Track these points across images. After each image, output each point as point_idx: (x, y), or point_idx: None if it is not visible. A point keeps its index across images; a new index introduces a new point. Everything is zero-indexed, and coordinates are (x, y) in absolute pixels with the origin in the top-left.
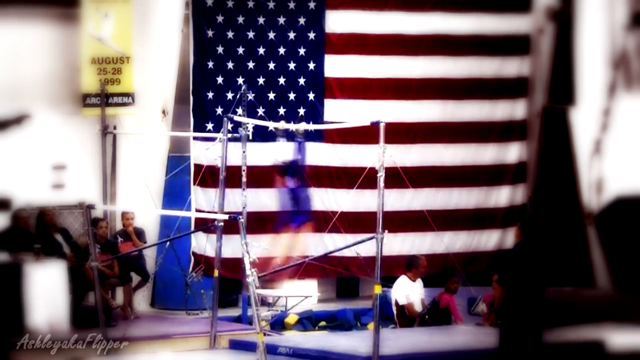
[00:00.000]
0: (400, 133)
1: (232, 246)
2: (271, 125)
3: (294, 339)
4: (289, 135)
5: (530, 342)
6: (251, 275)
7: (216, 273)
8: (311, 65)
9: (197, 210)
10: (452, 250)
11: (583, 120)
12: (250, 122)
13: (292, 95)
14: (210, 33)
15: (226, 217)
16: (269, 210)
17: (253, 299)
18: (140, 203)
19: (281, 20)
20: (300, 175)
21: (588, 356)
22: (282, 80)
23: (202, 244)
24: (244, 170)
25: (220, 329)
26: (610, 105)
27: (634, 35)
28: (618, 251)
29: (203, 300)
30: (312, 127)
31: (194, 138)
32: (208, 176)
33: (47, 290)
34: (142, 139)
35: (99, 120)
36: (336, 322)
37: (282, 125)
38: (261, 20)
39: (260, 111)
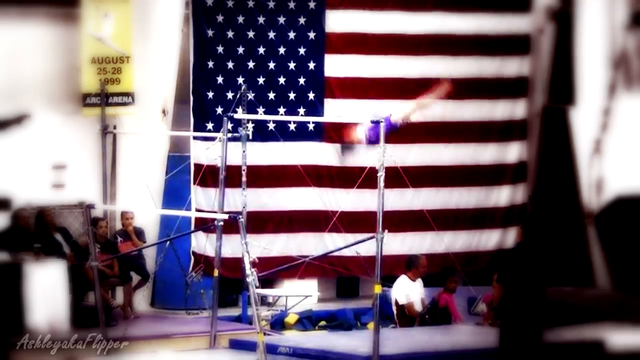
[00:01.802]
0: (401, 133)
1: (232, 246)
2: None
3: (294, 338)
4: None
5: (530, 342)
6: (251, 275)
7: (216, 273)
8: (311, 65)
9: (197, 210)
10: (452, 250)
11: (583, 120)
12: (261, 116)
13: (292, 95)
14: (210, 33)
15: (226, 217)
16: (269, 210)
17: (253, 299)
18: (140, 203)
19: (281, 20)
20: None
21: (588, 356)
22: (282, 80)
23: (202, 243)
24: (244, 170)
25: (220, 329)
26: (610, 105)
27: (634, 35)
28: (618, 251)
29: (203, 300)
30: (312, 119)
31: (194, 138)
32: (208, 176)
33: (47, 290)
34: (142, 138)
35: (99, 120)
36: (336, 322)
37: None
38: (261, 20)
39: (260, 111)
